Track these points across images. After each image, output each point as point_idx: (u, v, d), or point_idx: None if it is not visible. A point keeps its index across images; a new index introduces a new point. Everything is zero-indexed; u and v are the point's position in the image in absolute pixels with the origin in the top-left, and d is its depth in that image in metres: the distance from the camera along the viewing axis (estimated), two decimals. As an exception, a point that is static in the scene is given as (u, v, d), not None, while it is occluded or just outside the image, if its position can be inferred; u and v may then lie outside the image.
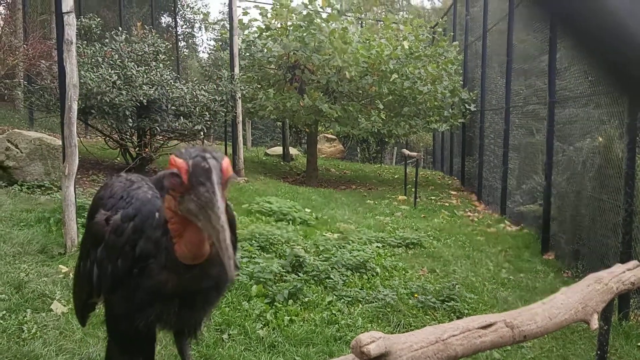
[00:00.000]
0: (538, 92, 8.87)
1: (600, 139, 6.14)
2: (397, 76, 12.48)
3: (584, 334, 4.66)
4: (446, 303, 5.13)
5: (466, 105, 13.44)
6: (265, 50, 13.29)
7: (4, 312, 4.10)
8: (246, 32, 14.43)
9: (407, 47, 12.86)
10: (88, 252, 1.51)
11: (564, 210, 7.05)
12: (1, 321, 3.98)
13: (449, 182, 15.71)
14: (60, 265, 5.03)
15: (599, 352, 3.04)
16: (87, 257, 1.52)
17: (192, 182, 1.28)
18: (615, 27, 0.42)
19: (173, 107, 9.25)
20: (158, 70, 9.32)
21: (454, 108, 13.72)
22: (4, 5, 15.96)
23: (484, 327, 2.27)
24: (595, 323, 2.72)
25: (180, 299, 1.47)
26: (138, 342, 1.60)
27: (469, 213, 10.53)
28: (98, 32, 10.23)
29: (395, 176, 16.73)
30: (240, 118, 12.04)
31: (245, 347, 4.09)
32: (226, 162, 1.33)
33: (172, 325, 1.54)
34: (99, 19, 10.48)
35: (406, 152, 13.28)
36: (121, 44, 9.41)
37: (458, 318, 4.26)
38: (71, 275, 4.86)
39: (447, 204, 11.48)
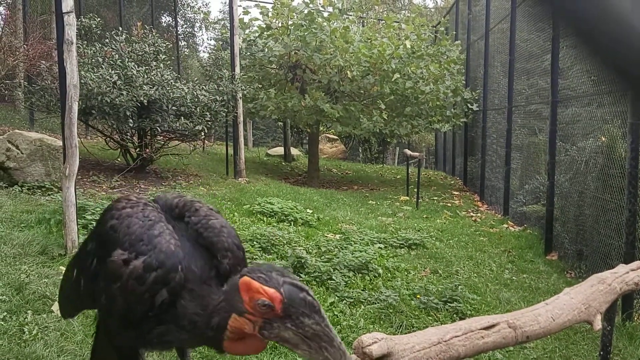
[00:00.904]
0: (541, 92, 8.84)
1: (603, 139, 6.11)
2: (399, 76, 12.45)
3: (587, 334, 4.63)
4: (449, 304, 5.10)
5: (468, 104, 13.41)
6: (266, 49, 13.28)
7: (5, 313, 4.09)
8: (247, 31, 14.42)
9: (409, 47, 12.83)
10: (95, 275, 1.48)
11: (567, 210, 7.01)
12: (2, 323, 3.96)
13: (452, 182, 15.68)
14: (61, 267, 5.01)
15: (602, 353, 3.01)
16: (94, 281, 1.48)
17: (289, 312, 1.26)
18: (618, 25, 0.41)
19: (174, 108, 9.24)
20: (158, 70, 9.31)
21: (456, 108, 13.69)
22: (4, 6, 15.98)
23: (487, 328, 2.24)
24: (598, 324, 2.70)
25: None
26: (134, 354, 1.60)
27: (471, 213, 10.50)
28: (98, 32, 10.23)
29: (398, 176, 16.70)
30: (241, 118, 12.02)
31: (247, 349, 4.07)
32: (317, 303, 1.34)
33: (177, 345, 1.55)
34: (99, 19, 10.46)
35: (408, 152, 13.26)
36: (121, 44, 9.40)
37: (461, 319, 4.23)
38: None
39: (449, 205, 11.45)
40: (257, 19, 14.23)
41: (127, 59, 9.03)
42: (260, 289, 1.26)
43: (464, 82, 14.38)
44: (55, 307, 4.30)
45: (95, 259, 1.50)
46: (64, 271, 4.84)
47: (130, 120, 8.71)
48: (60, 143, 6.86)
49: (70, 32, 5.46)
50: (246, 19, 14.35)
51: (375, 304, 5.03)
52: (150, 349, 1.55)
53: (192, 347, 1.44)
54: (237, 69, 11.64)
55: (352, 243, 6.91)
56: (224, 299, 1.34)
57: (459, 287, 5.48)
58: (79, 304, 1.62)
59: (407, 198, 11.82)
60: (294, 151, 19.09)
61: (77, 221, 5.52)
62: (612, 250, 5.62)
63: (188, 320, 1.38)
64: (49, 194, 7.35)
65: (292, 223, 7.79)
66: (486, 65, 12.19)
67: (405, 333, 2.67)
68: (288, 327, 1.25)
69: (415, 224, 8.81)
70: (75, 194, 5.59)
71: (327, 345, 1.24)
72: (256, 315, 1.29)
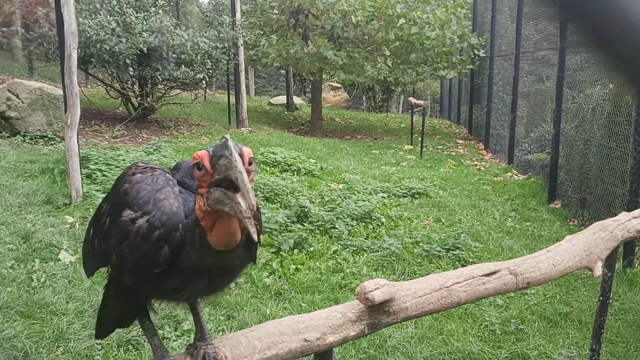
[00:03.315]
0: (549, 37, 8.62)
1: (611, 86, 6.00)
2: (404, 21, 12.13)
3: (587, 281, 4.70)
4: (451, 252, 5.16)
5: (475, 51, 13.12)
6: (268, -6, 12.93)
7: (13, 261, 4.16)
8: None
9: (415, -10, 12.46)
10: (107, 234, 1.57)
11: (572, 158, 6.97)
12: (10, 270, 4.03)
13: (456, 131, 15.57)
14: (66, 216, 5.06)
15: (601, 299, 3.05)
16: (106, 239, 1.58)
17: (213, 164, 1.34)
18: (625, 23, 0.41)
19: (174, 55, 9.08)
20: (157, 16, 9.09)
21: (462, 54, 13.40)
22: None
23: (488, 275, 2.27)
24: (598, 270, 2.72)
25: (208, 276, 1.52)
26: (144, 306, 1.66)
27: (475, 162, 10.48)
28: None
29: (402, 125, 16.59)
30: (243, 66, 11.83)
31: (252, 295, 4.15)
32: (247, 149, 1.38)
33: (193, 298, 1.60)
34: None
35: (413, 100, 13.09)
36: (119, -10, 9.15)
37: (463, 266, 4.28)
38: (77, 225, 4.89)
39: (453, 153, 11.41)
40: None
41: (125, 5, 8.80)
42: (195, 155, 1.37)
43: (471, 27, 14.03)
44: (63, 255, 4.37)
45: (108, 219, 1.59)
46: (85, 229, 4.89)
47: (131, 68, 8.58)
48: (60, 92, 6.79)
49: (65, -24, 5.30)
50: (247, -38, 13.89)
51: (378, 251, 5.09)
52: (162, 300, 1.61)
53: (207, 269, 1.50)
54: (238, 15, 11.36)
55: (356, 192, 6.93)
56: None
57: (462, 235, 5.53)
58: (94, 263, 1.71)
59: (411, 147, 11.77)
60: (297, 100, 18.89)
61: (80, 171, 5.53)
62: (616, 198, 5.62)
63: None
64: (51, 144, 7.34)
65: (295, 173, 7.80)
66: (494, 10, 11.86)
67: (408, 280, 2.70)
68: (215, 180, 1.33)
69: (419, 173, 8.81)
70: (78, 144, 5.58)
71: (230, 172, 1.30)
72: (202, 186, 1.38)
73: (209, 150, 1.37)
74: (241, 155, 1.33)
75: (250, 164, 1.36)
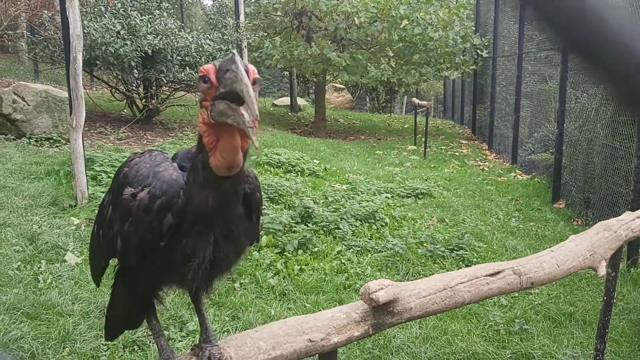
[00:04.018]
0: (552, 37, 8.60)
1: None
2: (407, 22, 12.13)
3: (591, 280, 4.69)
4: (455, 252, 5.17)
5: (478, 51, 13.11)
6: (271, -4, 12.95)
7: (19, 263, 4.19)
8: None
9: (418, -9, 12.46)
10: (110, 222, 1.57)
11: (576, 158, 6.97)
12: (17, 272, 4.06)
13: (460, 131, 15.56)
14: (72, 218, 5.09)
15: (605, 298, 3.05)
16: (110, 228, 1.57)
17: (219, 78, 1.34)
18: (621, 52, 0.42)
19: (178, 57, 9.11)
20: (162, 19, 9.13)
21: (465, 54, 13.39)
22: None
23: (492, 275, 2.28)
24: (602, 270, 2.73)
25: (214, 241, 1.51)
26: (152, 299, 1.65)
27: (479, 162, 10.47)
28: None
29: (405, 126, 16.58)
30: (247, 68, 11.83)
31: (257, 295, 4.17)
32: (252, 67, 1.39)
33: (200, 277, 1.56)
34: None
35: (416, 101, 13.09)
36: (124, -8, 9.19)
37: (467, 267, 4.29)
38: (83, 227, 4.93)
39: (457, 154, 11.41)
40: (261, -36, 13.80)
41: (130, 8, 8.84)
42: (202, 69, 1.38)
43: (474, 27, 14.01)
44: (69, 256, 4.40)
45: (110, 207, 1.60)
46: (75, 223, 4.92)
47: (135, 70, 8.61)
48: (65, 94, 6.83)
49: (70, -21, 5.34)
50: (250, -36, 13.92)
51: (382, 252, 5.10)
52: (169, 283, 1.59)
53: (212, 212, 1.49)
54: (242, 17, 11.39)
55: (359, 193, 6.94)
56: None
57: (466, 235, 5.53)
58: (100, 257, 1.71)
59: (415, 147, 11.77)
60: (301, 101, 18.90)
61: (86, 172, 5.56)
62: (620, 198, 5.61)
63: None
64: (56, 146, 7.38)
65: (299, 173, 7.81)
66: (496, 10, 11.85)
67: (412, 280, 2.71)
68: (221, 93, 1.34)
69: (423, 174, 8.81)
70: (83, 146, 5.61)
71: (236, 85, 1.31)
72: (206, 99, 1.38)
73: (216, 64, 1.37)
74: (247, 71, 1.33)
75: (254, 83, 1.36)
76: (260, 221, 1.67)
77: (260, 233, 1.75)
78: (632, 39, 0.42)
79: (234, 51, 1.39)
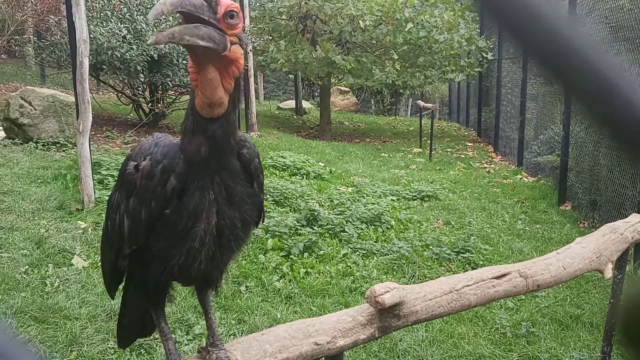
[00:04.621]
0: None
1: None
2: (412, 25, 12.13)
3: (598, 283, 4.67)
4: (461, 255, 5.16)
5: (483, 53, 13.08)
6: (276, 0, 12.98)
7: (27, 267, 4.21)
8: (256, -18, 14.06)
9: (423, -6, 12.46)
10: (117, 206, 1.57)
11: (582, 160, 6.94)
12: (24, 276, 4.09)
13: (465, 133, 15.53)
14: (79, 221, 5.12)
15: (612, 301, 3.04)
16: (117, 212, 1.57)
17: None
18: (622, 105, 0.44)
19: (184, 61, 9.14)
20: (167, 23, 9.16)
21: (470, 57, 13.38)
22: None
23: (498, 277, 2.27)
24: (609, 272, 2.72)
25: (216, 204, 1.50)
26: (164, 289, 1.64)
27: (485, 165, 10.45)
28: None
29: (410, 128, 16.57)
30: (252, 71, 11.89)
31: (263, 299, 4.18)
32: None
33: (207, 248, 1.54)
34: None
35: (421, 103, 13.08)
36: (129, -3, 9.25)
37: (473, 269, 4.28)
38: (90, 230, 4.95)
39: (463, 156, 11.39)
40: (265, -32, 13.84)
41: (135, 12, 8.89)
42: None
43: (479, 30, 13.99)
44: (76, 260, 4.42)
45: (117, 193, 1.60)
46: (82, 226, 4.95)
47: (141, 74, 8.66)
48: (72, 99, 6.87)
49: (77, -15, 5.38)
50: (255, -32, 13.96)
51: (388, 255, 5.10)
52: (179, 259, 1.54)
53: (207, 162, 1.48)
54: (247, 21, 11.43)
55: (365, 196, 6.94)
56: None
57: (472, 237, 5.52)
58: (109, 250, 1.68)
59: (420, 150, 11.76)
60: (306, 104, 18.92)
61: (92, 176, 5.59)
62: (626, 200, 5.59)
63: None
64: (63, 150, 7.42)
65: (305, 176, 7.82)
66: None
67: (418, 283, 2.71)
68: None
69: (428, 176, 8.80)
70: (90, 150, 5.64)
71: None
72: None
73: None
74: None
75: (231, 17, 1.40)
76: (263, 192, 1.67)
77: (264, 212, 1.72)
78: (630, 89, 0.43)
79: None
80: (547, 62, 0.43)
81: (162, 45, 8.61)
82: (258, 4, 13.16)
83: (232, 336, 3.57)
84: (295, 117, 17.06)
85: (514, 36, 0.43)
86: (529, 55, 0.43)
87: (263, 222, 1.73)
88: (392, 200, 6.97)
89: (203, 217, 1.48)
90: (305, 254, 4.94)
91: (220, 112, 1.45)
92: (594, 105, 0.44)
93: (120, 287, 1.79)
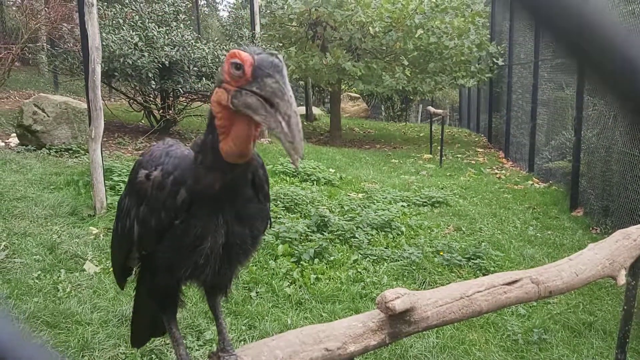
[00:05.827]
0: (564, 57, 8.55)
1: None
2: (422, 31, 12.14)
3: (611, 289, 4.63)
4: (472, 261, 5.13)
5: (494, 59, 13.06)
6: (286, 7, 13.04)
7: (39, 272, 4.25)
8: (266, -12, 14.15)
9: (433, 0, 12.47)
10: (128, 211, 1.57)
11: (594, 166, 6.89)
12: (37, 281, 4.12)
13: (476, 139, 15.47)
14: (91, 227, 5.16)
15: (625, 308, 3.00)
16: (127, 217, 1.57)
17: (255, 75, 1.29)
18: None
19: (195, 68, 9.21)
20: (179, 30, 9.25)
21: (481, 63, 13.36)
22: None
23: (510, 284, 2.26)
24: (622, 279, 2.69)
25: (225, 223, 1.49)
26: (173, 295, 1.65)
27: (496, 170, 10.40)
28: (118, -7, 10.16)
29: (421, 134, 16.54)
30: (263, 78, 11.91)
31: (273, 304, 4.18)
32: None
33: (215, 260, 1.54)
34: (118, -20, 10.37)
35: (432, 109, 13.06)
36: (141, 5, 9.35)
37: (484, 275, 4.25)
38: (102, 236, 4.99)
39: (473, 162, 11.34)
40: (276, -25, 13.93)
41: (147, 20, 8.98)
42: (236, 53, 1.32)
43: (489, 35, 13.97)
44: (88, 265, 4.45)
45: (127, 197, 1.60)
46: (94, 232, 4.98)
47: (153, 81, 8.73)
48: (84, 106, 6.94)
49: (90, -7, 5.44)
50: (265, -25, 14.06)
51: (399, 261, 5.09)
52: (187, 269, 1.54)
53: (219, 194, 1.45)
54: (257, 28, 11.49)
55: (375, 202, 6.93)
56: None
57: (483, 244, 5.49)
58: (118, 252, 1.70)
59: (431, 156, 11.73)
60: (316, 110, 18.97)
61: (104, 182, 5.64)
62: (639, 205, 5.53)
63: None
64: (76, 156, 7.49)
65: (315, 182, 7.83)
66: (512, 18, 11.80)
67: (428, 289, 2.70)
68: (253, 91, 1.30)
69: (439, 182, 8.77)
70: (102, 156, 5.69)
71: (279, 101, 1.28)
72: (230, 83, 1.32)
73: (254, 55, 1.30)
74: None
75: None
76: (269, 201, 1.65)
77: (271, 219, 1.71)
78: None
79: (280, 56, 1.33)
80: (562, 32, 0.43)
81: (174, 52, 8.68)
82: (268, 11, 13.24)
83: (242, 342, 3.57)
84: (305, 123, 17.10)
85: (526, 7, 0.43)
86: (542, 27, 0.43)
87: (270, 227, 1.72)
88: (402, 206, 6.95)
89: (209, 238, 1.48)
90: (316, 260, 4.94)
91: (246, 160, 1.41)
92: (610, 77, 0.44)
93: (132, 284, 1.80)
